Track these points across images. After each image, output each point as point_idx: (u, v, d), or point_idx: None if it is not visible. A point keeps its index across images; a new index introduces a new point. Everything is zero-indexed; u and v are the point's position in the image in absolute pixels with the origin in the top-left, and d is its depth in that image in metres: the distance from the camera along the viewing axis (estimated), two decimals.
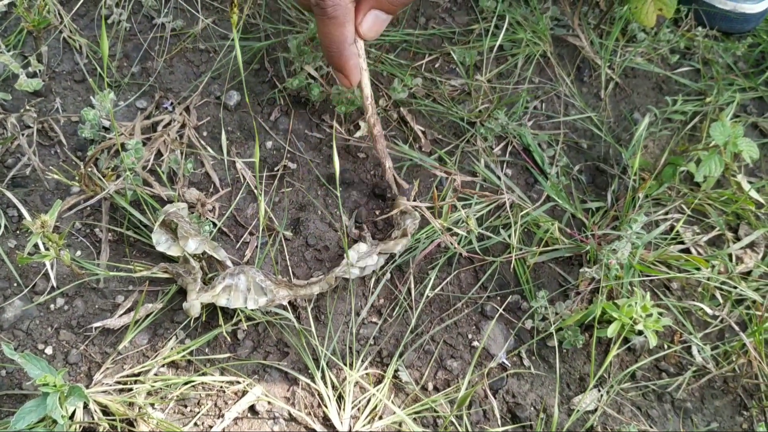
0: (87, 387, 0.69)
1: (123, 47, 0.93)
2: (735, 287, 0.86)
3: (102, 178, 0.79)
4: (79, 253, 0.78)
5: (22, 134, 0.82)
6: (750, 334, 0.83)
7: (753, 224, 0.94)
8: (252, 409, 0.73)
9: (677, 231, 0.91)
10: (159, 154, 0.85)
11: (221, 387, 0.73)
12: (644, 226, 0.89)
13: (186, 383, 0.72)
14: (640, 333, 0.78)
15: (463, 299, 0.83)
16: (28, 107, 0.85)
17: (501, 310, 0.83)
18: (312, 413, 0.73)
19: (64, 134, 0.85)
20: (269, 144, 0.90)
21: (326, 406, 0.73)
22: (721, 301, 0.87)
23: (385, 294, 0.82)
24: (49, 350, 0.73)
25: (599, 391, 0.80)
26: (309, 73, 0.91)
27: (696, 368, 0.83)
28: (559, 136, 0.98)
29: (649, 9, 0.93)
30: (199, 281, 0.73)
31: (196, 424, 0.71)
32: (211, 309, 0.76)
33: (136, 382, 0.71)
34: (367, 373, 0.76)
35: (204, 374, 0.73)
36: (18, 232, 0.79)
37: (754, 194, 0.94)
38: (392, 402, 0.75)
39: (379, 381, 0.76)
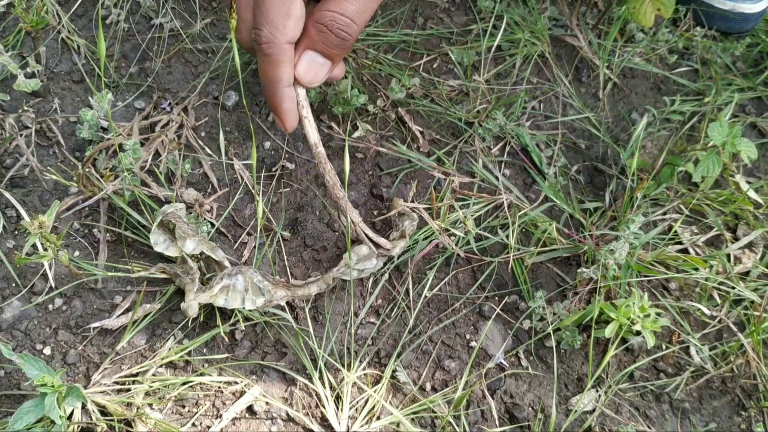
0: (85, 387, 0.70)
1: (121, 47, 0.93)
2: (733, 287, 0.86)
3: (100, 178, 0.79)
4: (77, 253, 0.79)
5: (21, 135, 0.82)
6: (748, 335, 0.83)
7: (751, 224, 0.94)
8: (250, 409, 0.73)
9: (675, 231, 0.91)
10: (157, 154, 0.85)
11: (219, 387, 0.73)
12: (642, 226, 0.89)
13: (184, 383, 0.72)
14: (638, 333, 0.78)
15: (461, 299, 0.83)
16: (26, 108, 0.85)
17: (499, 311, 0.83)
18: (310, 414, 0.73)
19: (63, 135, 0.85)
20: (267, 144, 0.90)
21: (324, 407, 0.73)
22: (719, 301, 0.87)
23: (383, 294, 0.82)
24: (47, 350, 0.73)
25: (597, 391, 0.80)
26: None
27: (694, 368, 0.83)
28: (557, 136, 0.98)
29: (648, 9, 0.93)
30: (197, 281, 0.73)
31: (194, 424, 0.71)
32: (209, 309, 0.76)
33: (134, 382, 0.71)
34: (365, 374, 0.76)
35: (202, 374, 0.73)
36: (16, 232, 0.79)
37: (752, 194, 0.94)
38: (390, 402, 0.75)
39: (376, 381, 0.76)
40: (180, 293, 0.77)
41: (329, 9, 0.65)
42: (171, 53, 0.94)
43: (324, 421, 0.73)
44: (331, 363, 0.76)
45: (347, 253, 0.77)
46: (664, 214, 0.92)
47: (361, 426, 0.72)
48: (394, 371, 0.76)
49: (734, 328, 0.84)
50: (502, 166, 0.94)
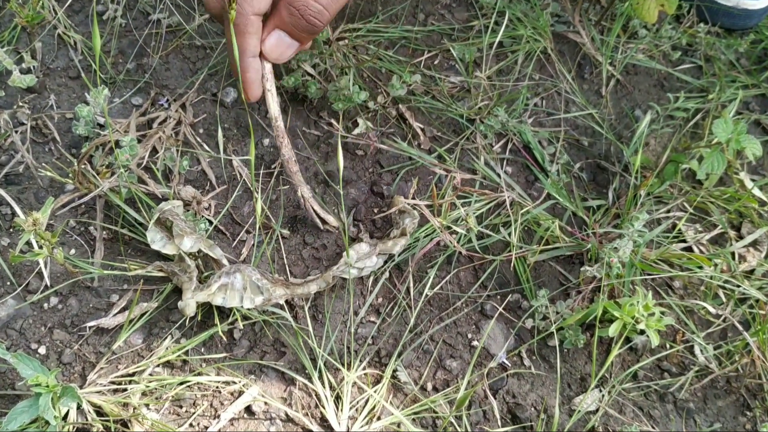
0: (81, 387, 0.69)
1: (118, 43, 0.92)
2: (738, 286, 0.85)
3: (96, 175, 0.78)
4: (73, 251, 0.78)
5: (16, 131, 0.82)
6: (753, 334, 0.82)
7: (756, 222, 0.93)
8: (248, 409, 0.72)
9: (679, 229, 0.90)
10: (154, 151, 0.84)
11: (217, 387, 0.72)
12: (646, 224, 0.88)
13: (181, 383, 0.71)
14: (642, 332, 0.77)
15: (462, 298, 0.82)
16: (21, 104, 0.84)
17: (501, 309, 0.82)
18: (309, 414, 0.72)
19: (58, 131, 0.84)
20: (266, 141, 0.89)
21: (324, 407, 0.72)
22: (723, 299, 0.87)
23: (384, 293, 0.81)
24: (42, 350, 0.72)
25: (600, 391, 0.79)
26: (306, 71, 0.91)
27: (698, 368, 0.82)
28: (559, 133, 0.97)
29: (651, 5, 0.92)
30: (194, 280, 0.72)
31: (191, 424, 0.70)
32: (206, 308, 0.75)
33: (130, 382, 0.70)
34: (365, 373, 0.75)
35: (200, 374, 0.72)
36: (11, 230, 0.78)
37: (756, 192, 0.93)
38: (390, 402, 0.74)
39: (377, 381, 0.75)
40: (177, 292, 0.76)
41: None
42: (169, 49, 0.93)
43: (324, 421, 0.72)
44: (330, 362, 0.75)
45: (348, 251, 0.76)
46: (668, 211, 0.91)
47: (362, 426, 0.71)
48: (394, 371, 0.76)
49: (739, 327, 0.83)
50: (504, 163, 0.93)
